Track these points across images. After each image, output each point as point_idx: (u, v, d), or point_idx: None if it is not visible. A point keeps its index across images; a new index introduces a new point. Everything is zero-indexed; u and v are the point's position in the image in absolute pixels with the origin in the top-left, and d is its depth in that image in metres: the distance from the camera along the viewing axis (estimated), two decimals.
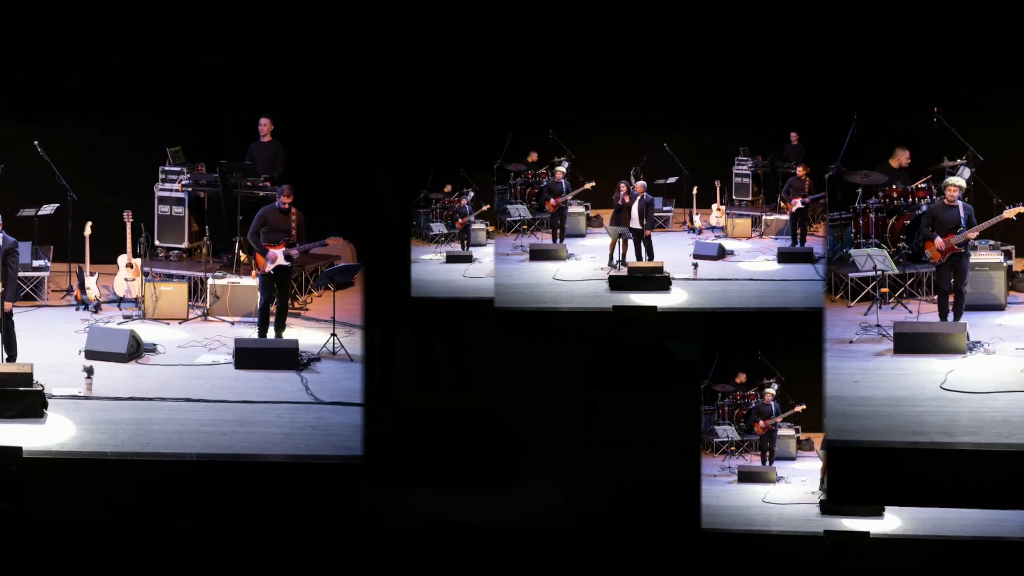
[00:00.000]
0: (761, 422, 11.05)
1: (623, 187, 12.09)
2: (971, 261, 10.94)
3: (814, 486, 9.49)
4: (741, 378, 11.31)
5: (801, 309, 10.74)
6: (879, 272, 11.00)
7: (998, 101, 11.47)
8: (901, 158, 11.83)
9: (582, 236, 12.80)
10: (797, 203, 11.88)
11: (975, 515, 8.16)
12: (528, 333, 10.09)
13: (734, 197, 12.27)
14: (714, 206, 12.25)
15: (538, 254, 11.87)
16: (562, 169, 12.37)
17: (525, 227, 12.54)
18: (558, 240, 12.21)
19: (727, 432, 10.48)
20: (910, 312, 10.94)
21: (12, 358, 9.91)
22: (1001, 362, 9.89)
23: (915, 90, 11.51)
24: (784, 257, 11.68)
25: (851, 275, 11.22)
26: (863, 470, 8.55)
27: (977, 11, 10.02)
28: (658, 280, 11.20)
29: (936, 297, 10.81)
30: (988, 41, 10.11)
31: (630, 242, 12.06)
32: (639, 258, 11.75)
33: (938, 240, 10.63)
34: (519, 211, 12.63)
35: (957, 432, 8.72)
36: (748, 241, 12.12)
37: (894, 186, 11.87)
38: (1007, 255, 11.62)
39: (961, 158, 11.66)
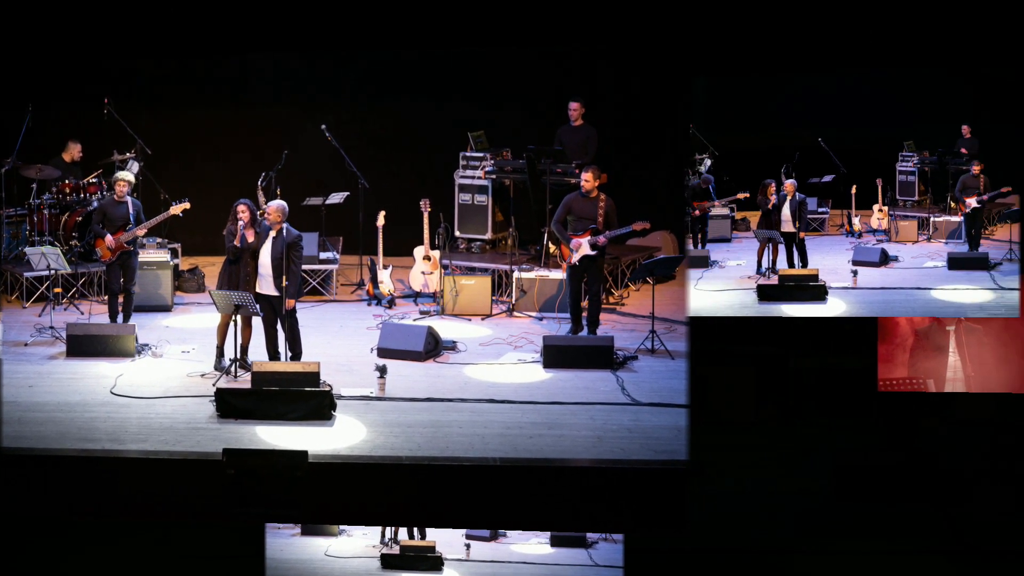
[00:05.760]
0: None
1: (771, 187, 10.70)
2: (140, 260, 10.76)
3: (375, 540, 9.13)
4: None
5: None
6: (53, 271, 10.74)
7: (167, 93, 11.54)
8: (73, 151, 11.96)
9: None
10: (972, 203, 10.87)
11: (543, 571, 8.19)
12: None
13: (898, 197, 11.29)
14: (876, 207, 11.23)
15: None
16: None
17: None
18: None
19: None
20: (82, 313, 10.82)
21: (297, 356, 9.53)
22: (168, 366, 9.95)
23: (85, 80, 11.26)
24: (956, 263, 10.69)
25: (27, 274, 11.08)
26: (37, 479, 8.53)
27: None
28: (813, 289, 10.36)
29: (107, 298, 10.63)
30: (280, 30, 9.66)
31: (781, 248, 10.75)
32: (791, 264, 10.65)
33: (108, 238, 10.34)
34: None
35: (126, 439, 8.70)
36: (914, 245, 11.25)
37: (67, 181, 11.76)
38: (174, 253, 11.67)
39: (131, 151, 11.65)
